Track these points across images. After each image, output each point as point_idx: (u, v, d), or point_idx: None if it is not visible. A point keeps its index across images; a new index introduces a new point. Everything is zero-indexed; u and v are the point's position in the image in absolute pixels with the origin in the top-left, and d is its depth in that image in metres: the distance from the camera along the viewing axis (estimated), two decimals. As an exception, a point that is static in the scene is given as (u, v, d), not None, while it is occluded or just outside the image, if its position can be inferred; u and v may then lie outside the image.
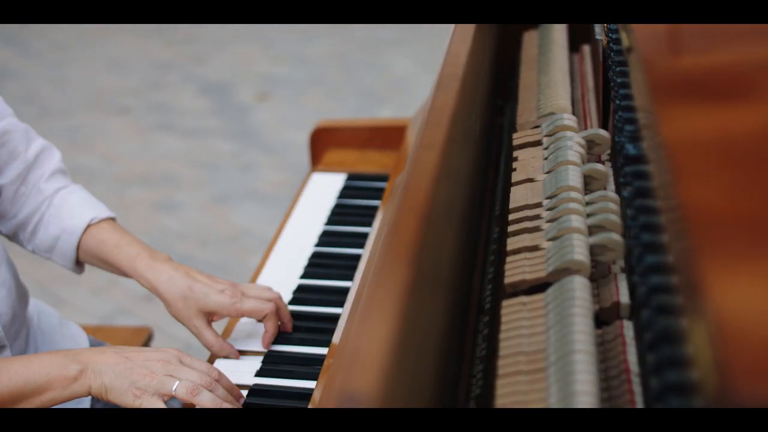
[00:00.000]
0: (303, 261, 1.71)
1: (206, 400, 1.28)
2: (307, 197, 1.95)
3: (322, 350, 1.47)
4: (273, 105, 4.88)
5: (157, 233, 3.68)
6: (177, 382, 1.27)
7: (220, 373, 1.34)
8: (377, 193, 1.92)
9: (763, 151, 0.68)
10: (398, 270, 0.63)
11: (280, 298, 1.50)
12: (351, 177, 2.01)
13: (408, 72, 5.22)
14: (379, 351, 0.55)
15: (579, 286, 1.02)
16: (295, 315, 1.55)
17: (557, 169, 1.27)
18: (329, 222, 1.85)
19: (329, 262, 1.70)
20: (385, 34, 5.68)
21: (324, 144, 2.10)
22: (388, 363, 0.55)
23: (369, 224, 1.80)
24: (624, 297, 1.11)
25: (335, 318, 1.53)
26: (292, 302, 1.60)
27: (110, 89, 5.10)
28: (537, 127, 1.46)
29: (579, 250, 1.09)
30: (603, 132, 1.33)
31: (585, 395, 0.87)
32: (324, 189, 1.97)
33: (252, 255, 3.47)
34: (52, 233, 1.54)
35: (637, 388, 0.97)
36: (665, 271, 0.80)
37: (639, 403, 0.94)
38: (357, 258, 1.69)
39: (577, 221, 1.14)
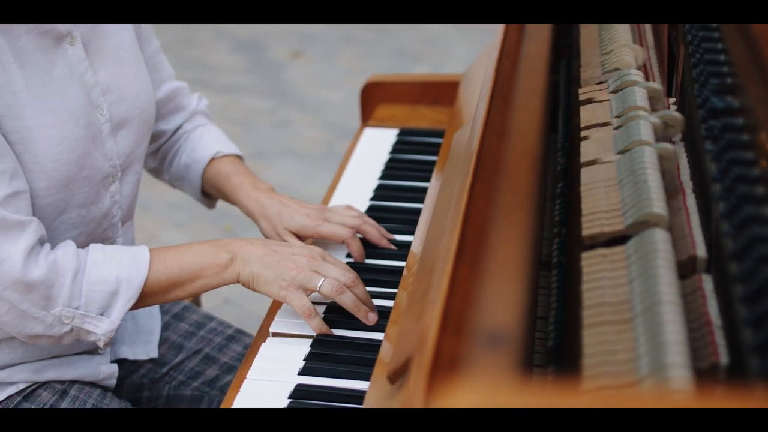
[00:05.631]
0: (359, 214, 1.72)
1: (348, 300, 1.38)
2: (361, 151, 1.95)
3: (385, 303, 1.48)
4: (307, 63, 4.87)
5: (194, 189, 3.69)
6: (322, 279, 1.37)
7: (357, 276, 1.42)
8: (431, 149, 1.92)
9: None
10: (524, 206, 0.64)
11: (363, 220, 1.59)
12: (403, 132, 2.01)
13: (441, 30, 5.19)
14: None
15: (661, 239, 1.02)
16: (355, 268, 1.56)
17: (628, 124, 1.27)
18: (383, 176, 1.85)
19: (386, 216, 1.70)
20: (417, -8, 5.64)
21: (375, 99, 2.09)
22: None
23: (424, 179, 1.80)
24: (701, 251, 1.12)
25: (397, 271, 1.54)
26: (350, 255, 1.61)
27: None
28: (602, 83, 1.46)
29: (657, 203, 1.09)
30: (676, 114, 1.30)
31: (675, 345, 0.87)
32: (376, 144, 1.98)
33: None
34: (184, 163, 1.70)
35: (720, 341, 0.98)
36: (765, 221, 0.81)
37: (722, 356, 0.95)
38: (413, 212, 1.70)
39: (651, 170, 1.14)
